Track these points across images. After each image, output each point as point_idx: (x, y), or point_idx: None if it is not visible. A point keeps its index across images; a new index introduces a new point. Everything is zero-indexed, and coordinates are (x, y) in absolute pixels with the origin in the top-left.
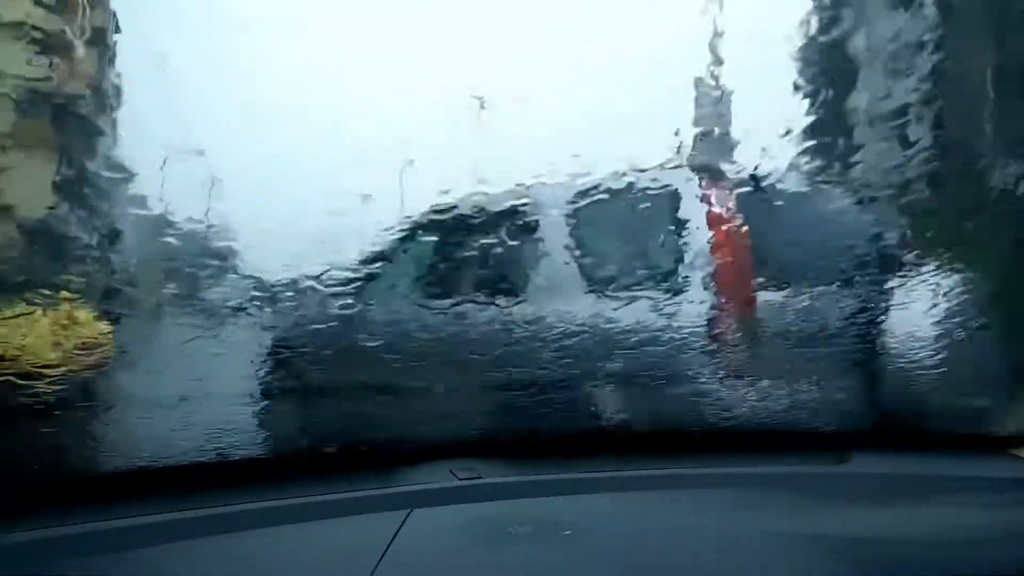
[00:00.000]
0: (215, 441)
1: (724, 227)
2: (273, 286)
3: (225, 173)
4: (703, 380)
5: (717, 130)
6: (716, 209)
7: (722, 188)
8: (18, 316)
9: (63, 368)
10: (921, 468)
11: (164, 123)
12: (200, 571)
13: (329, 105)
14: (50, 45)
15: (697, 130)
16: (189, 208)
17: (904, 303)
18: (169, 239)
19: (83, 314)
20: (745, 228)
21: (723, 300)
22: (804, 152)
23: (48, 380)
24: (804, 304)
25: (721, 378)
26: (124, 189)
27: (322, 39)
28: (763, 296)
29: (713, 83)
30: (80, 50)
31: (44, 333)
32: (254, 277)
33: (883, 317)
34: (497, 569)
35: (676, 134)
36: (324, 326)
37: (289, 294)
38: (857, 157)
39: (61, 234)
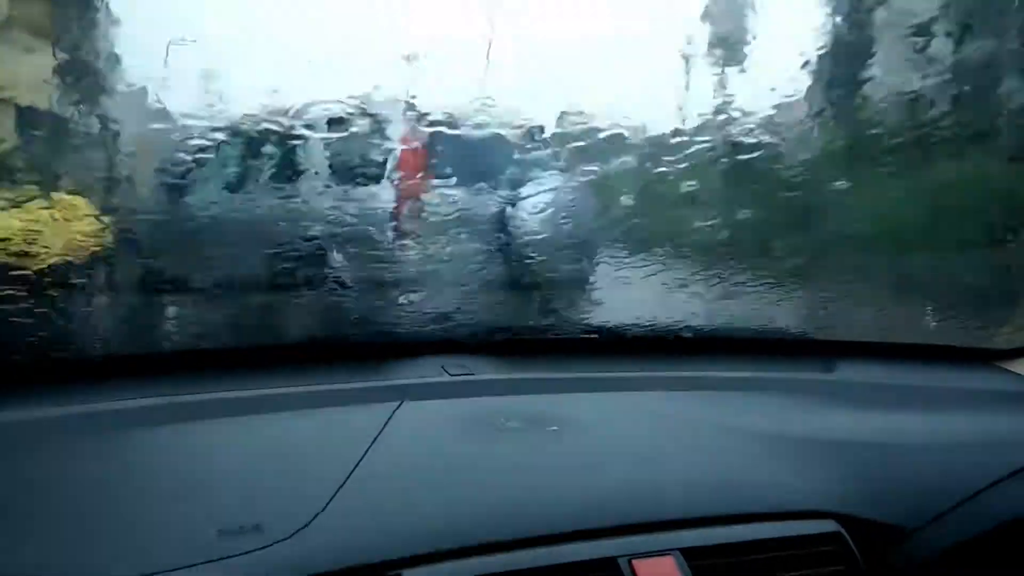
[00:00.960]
0: (212, 329)
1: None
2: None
3: (220, 63)
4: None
5: None
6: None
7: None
8: (19, 203)
9: (61, 254)
10: (906, 379)
11: (160, 7)
12: (193, 454)
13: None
14: None
15: None
16: (183, 98)
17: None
18: (163, 129)
19: (81, 202)
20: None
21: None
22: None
23: (47, 265)
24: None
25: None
26: (120, 76)
27: None
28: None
29: None
30: None
31: (44, 220)
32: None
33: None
34: (486, 459)
35: None
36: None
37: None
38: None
39: (58, 121)
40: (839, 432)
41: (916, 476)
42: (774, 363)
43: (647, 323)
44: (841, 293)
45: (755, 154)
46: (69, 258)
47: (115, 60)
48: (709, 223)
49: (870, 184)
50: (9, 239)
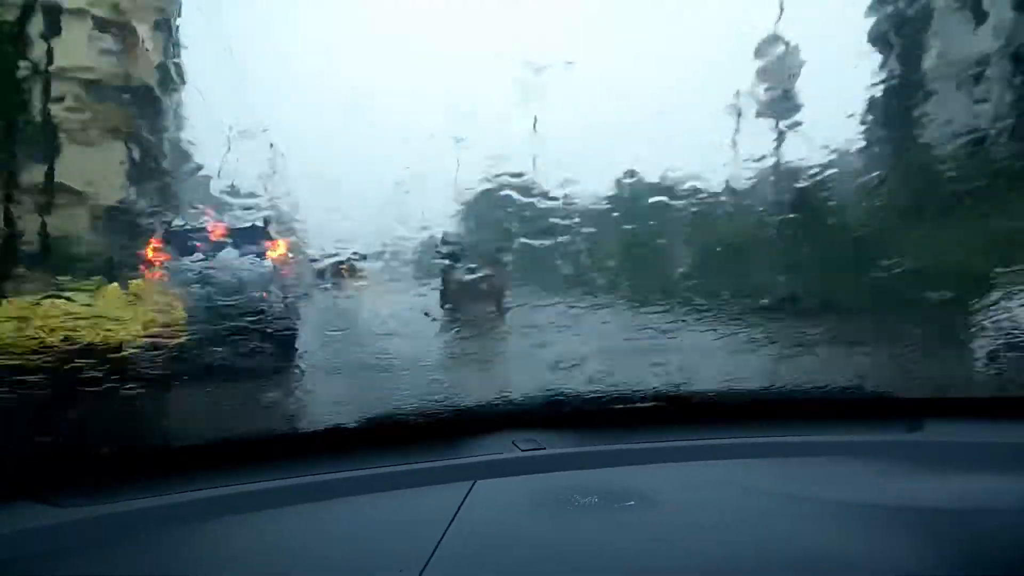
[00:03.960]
0: (285, 415)
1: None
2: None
3: (287, 151)
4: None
5: None
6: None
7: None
8: (93, 291)
9: (136, 343)
10: (996, 436)
11: (229, 105)
12: (272, 541)
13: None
14: (116, 31)
15: None
16: (252, 186)
17: None
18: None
19: (153, 289)
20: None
21: None
22: None
23: (122, 356)
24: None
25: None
26: (191, 169)
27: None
28: None
29: None
30: (146, 36)
31: (119, 307)
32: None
33: None
34: (562, 539)
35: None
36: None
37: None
38: None
39: (133, 214)
40: (928, 497)
41: (1010, 541)
42: (853, 425)
43: (715, 388)
44: (919, 348)
45: (826, 213)
46: (145, 345)
47: None
48: (775, 281)
49: (938, 234)
50: (89, 320)
